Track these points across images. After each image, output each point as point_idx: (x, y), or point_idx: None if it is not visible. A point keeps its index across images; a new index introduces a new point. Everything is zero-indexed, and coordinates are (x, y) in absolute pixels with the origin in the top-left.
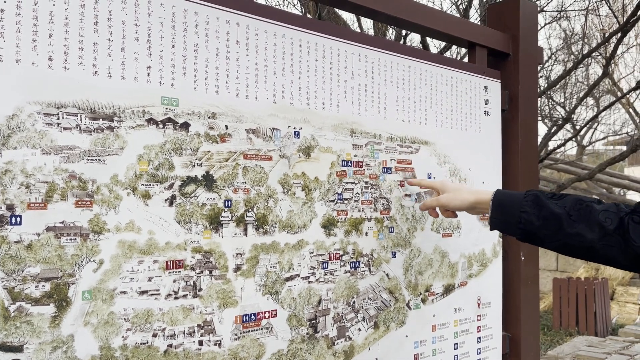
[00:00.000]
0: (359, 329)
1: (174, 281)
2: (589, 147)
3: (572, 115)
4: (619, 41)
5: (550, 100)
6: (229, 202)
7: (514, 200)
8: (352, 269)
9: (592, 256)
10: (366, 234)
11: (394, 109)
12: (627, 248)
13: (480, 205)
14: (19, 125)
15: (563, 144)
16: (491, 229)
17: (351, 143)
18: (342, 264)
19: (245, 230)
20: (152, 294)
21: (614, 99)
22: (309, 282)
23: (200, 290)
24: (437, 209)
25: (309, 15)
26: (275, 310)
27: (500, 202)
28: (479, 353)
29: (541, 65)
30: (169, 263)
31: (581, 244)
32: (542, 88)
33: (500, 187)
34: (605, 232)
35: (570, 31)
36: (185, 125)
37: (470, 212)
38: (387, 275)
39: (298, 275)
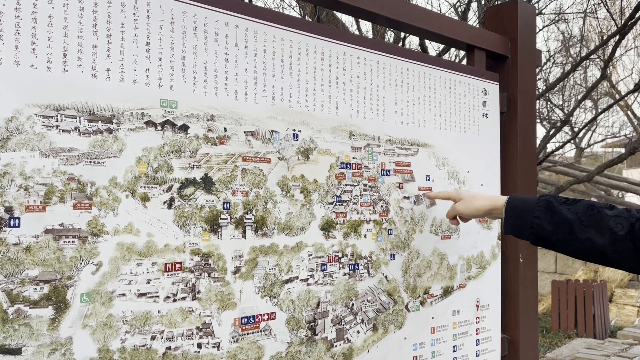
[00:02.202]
0: (358, 332)
1: (173, 283)
2: (588, 149)
3: (571, 118)
4: (617, 44)
5: (549, 103)
6: (228, 205)
7: (527, 205)
8: (351, 271)
9: (603, 261)
10: (365, 236)
11: (393, 111)
12: (637, 253)
13: (496, 210)
14: (17, 127)
15: (561, 146)
16: (505, 234)
17: (350, 145)
18: (341, 266)
19: (244, 232)
20: (150, 297)
21: (612, 101)
22: (308, 284)
23: (198, 292)
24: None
25: (307, 18)
26: (274, 312)
27: (513, 208)
28: (478, 355)
29: (539, 68)
30: (167, 265)
31: (592, 249)
32: (540, 90)
33: (499, 189)
34: (615, 238)
35: (568, 34)
36: (184, 128)
37: (487, 217)
38: (386, 277)
39: (297, 278)
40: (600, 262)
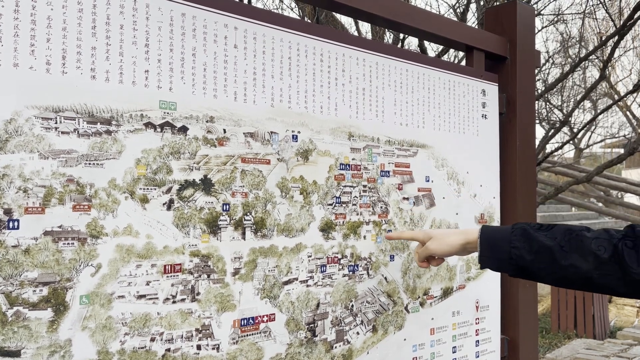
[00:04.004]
0: (358, 333)
1: (172, 285)
2: (587, 150)
3: (570, 118)
4: (616, 44)
5: (548, 104)
6: (227, 206)
7: (502, 235)
8: (351, 273)
9: (589, 286)
10: (364, 237)
11: (392, 112)
12: (624, 275)
13: (470, 245)
14: (16, 129)
15: (560, 147)
16: (481, 268)
17: (349, 146)
18: (341, 267)
19: (244, 234)
20: (150, 298)
21: (611, 102)
22: (307, 285)
23: (198, 294)
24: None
25: (306, 19)
26: (274, 314)
27: (488, 240)
28: (478, 356)
29: (538, 69)
30: (167, 267)
31: (577, 275)
32: (539, 91)
33: (498, 190)
34: (600, 261)
35: (567, 34)
36: (183, 129)
37: (461, 254)
38: (386, 278)
39: (296, 279)
40: (586, 288)
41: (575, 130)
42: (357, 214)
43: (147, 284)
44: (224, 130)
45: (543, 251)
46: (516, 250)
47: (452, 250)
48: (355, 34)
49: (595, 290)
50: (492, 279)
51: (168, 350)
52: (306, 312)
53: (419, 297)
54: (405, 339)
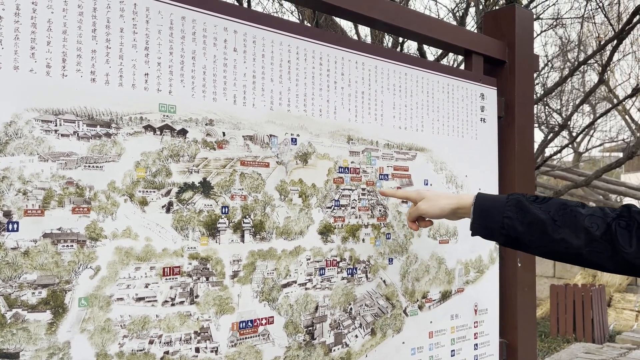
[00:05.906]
0: (356, 336)
1: (171, 288)
2: (586, 153)
3: (569, 122)
4: (615, 48)
5: (547, 107)
6: (226, 209)
7: (496, 204)
8: (349, 276)
9: (578, 261)
10: (363, 240)
11: (391, 116)
12: (615, 254)
13: (462, 210)
14: (16, 132)
15: (559, 151)
16: (472, 235)
17: (348, 150)
18: (339, 270)
19: (242, 236)
20: (148, 301)
21: (610, 106)
22: (306, 288)
23: (197, 296)
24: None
25: (306, 23)
26: (272, 316)
27: (482, 207)
28: None
29: (537, 73)
30: (165, 269)
31: (567, 250)
32: (538, 95)
33: (497, 194)
34: (591, 238)
35: (566, 38)
36: (183, 132)
37: (450, 218)
38: (384, 281)
39: (295, 282)
40: (574, 262)
41: (574, 134)
42: (356, 217)
43: (146, 286)
44: (223, 133)
45: (536, 223)
46: (508, 220)
47: (442, 213)
48: (355, 37)
49: (582, 265)
50: (490, 283)
51: (167, 352)
52: (305, 315)
53: (417, 300)
54: (403, 342)
